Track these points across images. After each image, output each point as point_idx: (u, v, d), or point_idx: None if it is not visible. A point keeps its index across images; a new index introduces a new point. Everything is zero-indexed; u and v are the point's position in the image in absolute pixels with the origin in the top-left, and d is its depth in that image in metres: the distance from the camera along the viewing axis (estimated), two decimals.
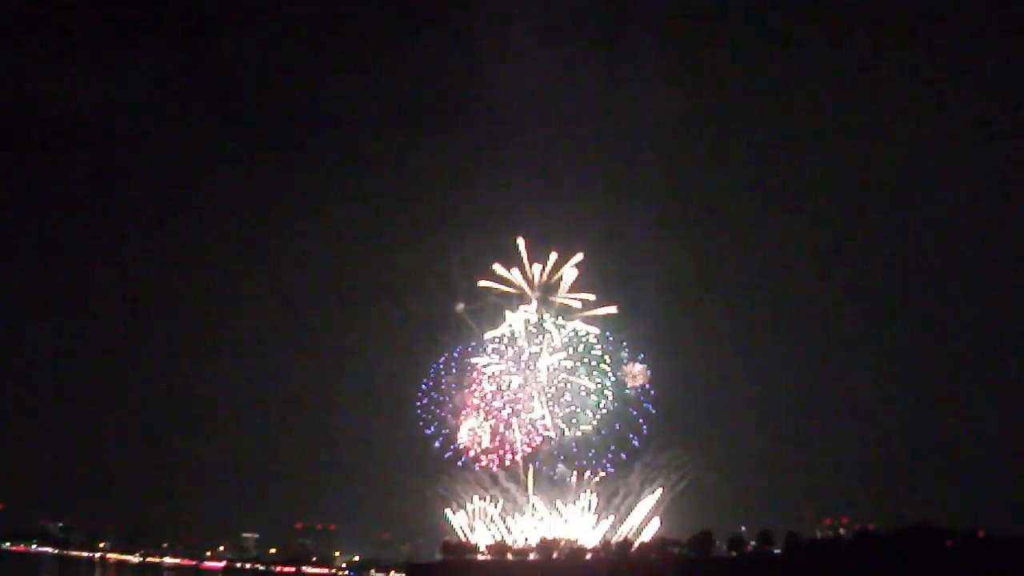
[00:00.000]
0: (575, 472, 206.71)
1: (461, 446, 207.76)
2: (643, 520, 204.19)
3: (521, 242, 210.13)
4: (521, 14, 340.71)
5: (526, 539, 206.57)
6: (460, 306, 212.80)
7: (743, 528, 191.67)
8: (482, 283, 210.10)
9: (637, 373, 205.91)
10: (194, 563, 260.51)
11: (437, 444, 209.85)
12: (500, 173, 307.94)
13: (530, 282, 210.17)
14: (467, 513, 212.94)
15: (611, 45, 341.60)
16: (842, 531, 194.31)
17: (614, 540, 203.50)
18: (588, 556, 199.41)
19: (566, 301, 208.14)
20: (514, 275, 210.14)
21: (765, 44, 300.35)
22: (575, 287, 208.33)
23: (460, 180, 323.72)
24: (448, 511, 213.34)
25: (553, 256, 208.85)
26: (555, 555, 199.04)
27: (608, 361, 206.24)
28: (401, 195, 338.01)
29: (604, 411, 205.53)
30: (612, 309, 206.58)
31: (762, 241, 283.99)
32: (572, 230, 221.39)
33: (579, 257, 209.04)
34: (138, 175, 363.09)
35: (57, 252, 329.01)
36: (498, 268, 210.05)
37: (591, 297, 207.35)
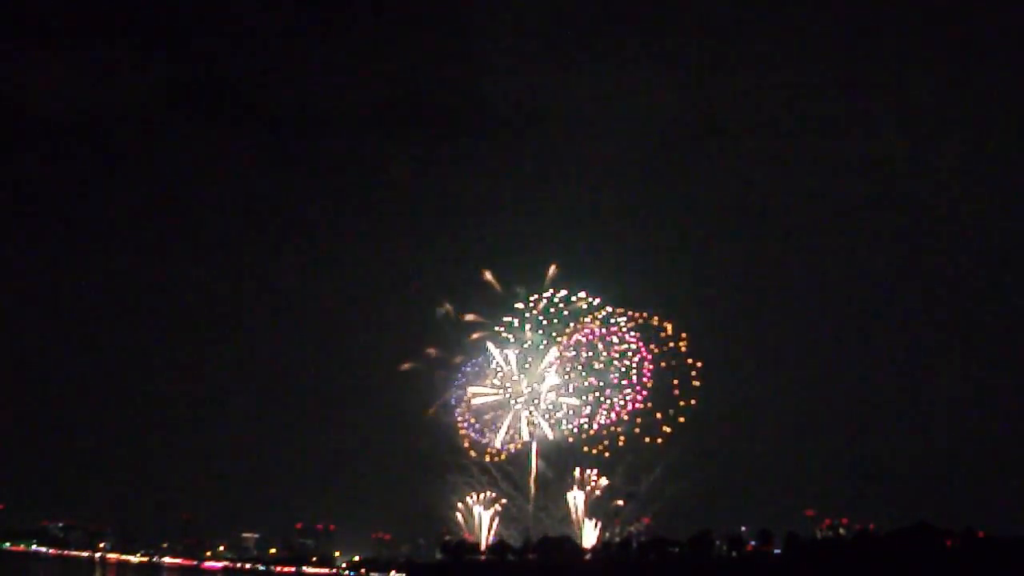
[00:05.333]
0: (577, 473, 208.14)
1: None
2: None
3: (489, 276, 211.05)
4: (522, 18, 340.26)
5: (527, 538, 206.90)
6: (443, 309, 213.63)
7: (743, 528, 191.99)
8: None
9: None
10: (194, 563, 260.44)
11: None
12: (494, 176, 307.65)
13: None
14: (467, 512, 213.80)
15: (613, 47, 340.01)
16: (842, 531, 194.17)
17: (614, 540, 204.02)
18: (587, 556, 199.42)
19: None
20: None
21: (797, 45, 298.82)
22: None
23: (452, 185, 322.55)
24: (451, 511, 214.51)
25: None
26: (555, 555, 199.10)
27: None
28: (396, 198, 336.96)
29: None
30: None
31: (762, 241, 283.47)
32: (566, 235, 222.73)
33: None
34: (134, 177, 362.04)
35: (55, 253, 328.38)
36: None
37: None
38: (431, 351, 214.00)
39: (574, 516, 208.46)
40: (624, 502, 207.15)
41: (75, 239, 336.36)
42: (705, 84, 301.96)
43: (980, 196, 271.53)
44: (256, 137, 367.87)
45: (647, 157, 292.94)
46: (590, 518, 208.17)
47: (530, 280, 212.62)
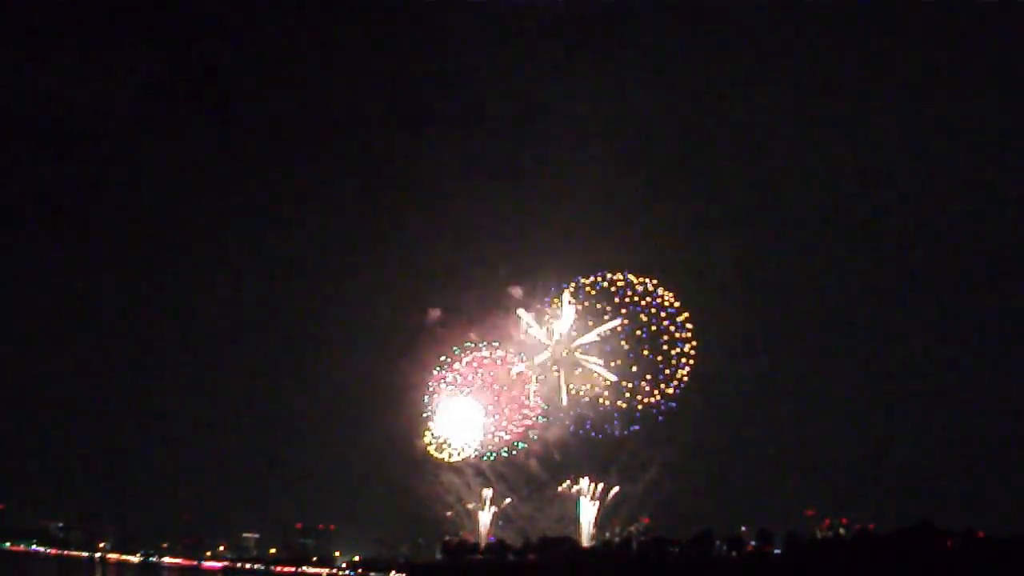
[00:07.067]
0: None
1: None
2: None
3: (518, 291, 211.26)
4: (521, 17, 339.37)
5: (526, 538, 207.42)
6: (435, 312, 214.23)
7: (743, 528, 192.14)
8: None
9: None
10: (194, 563, 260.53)
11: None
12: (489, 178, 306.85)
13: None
14: (464, 512, 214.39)
15: (616, 45, 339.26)
16: (842, 531, 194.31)
17: (614, 540, 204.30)
18: (587, 556, 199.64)
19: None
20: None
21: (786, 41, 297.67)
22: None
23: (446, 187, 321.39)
24: (449, 511, 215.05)
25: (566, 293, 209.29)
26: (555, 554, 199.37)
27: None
28: (390, 200, 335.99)
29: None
30: (615, 323, 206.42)
31: (764, 238, 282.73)
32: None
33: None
34: (133, 177, 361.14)
35: (53, 252, 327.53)
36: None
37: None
38: (425, 353, 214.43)
39: (573, 515, 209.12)
40: (619, 490, 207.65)
41: (74, 239, 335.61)
42: (706, 81, 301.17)
43: (984, 199, 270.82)
44: (254, 138, 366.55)
45: (647, 157, 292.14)
46: (589, 518, 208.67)
47: (527, 281, 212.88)
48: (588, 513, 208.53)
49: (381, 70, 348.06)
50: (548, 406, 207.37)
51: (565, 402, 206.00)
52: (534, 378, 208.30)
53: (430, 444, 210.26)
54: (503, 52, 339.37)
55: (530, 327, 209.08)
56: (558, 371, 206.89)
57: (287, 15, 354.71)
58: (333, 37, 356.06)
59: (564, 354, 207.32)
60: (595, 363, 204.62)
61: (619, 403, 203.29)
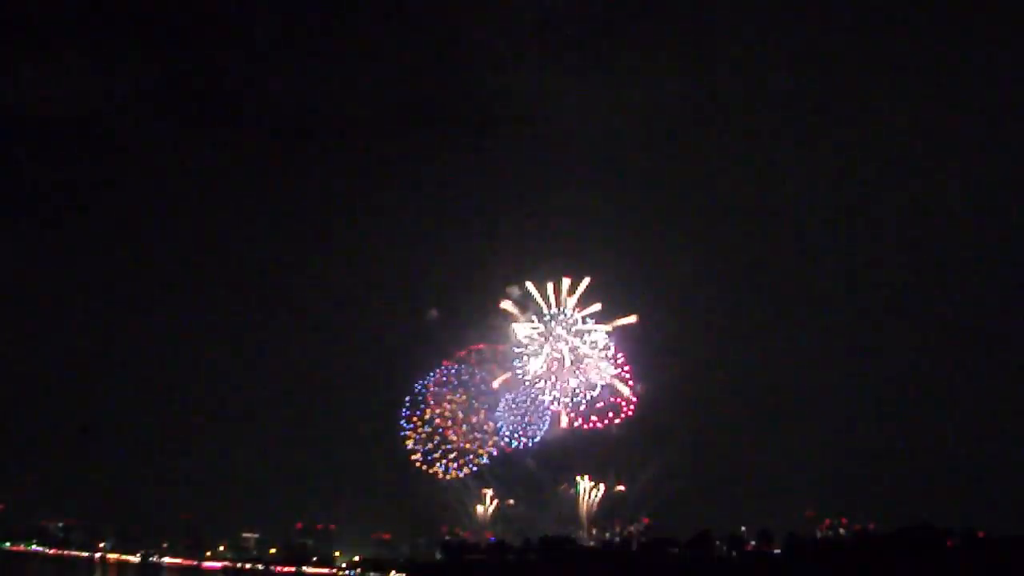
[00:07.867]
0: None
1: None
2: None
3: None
4: (521, 17, 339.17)
5: (526, 538, 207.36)
6: (433, 313, 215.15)
7: (743, 528, 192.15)
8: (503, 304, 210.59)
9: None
10: (194, 563, 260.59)
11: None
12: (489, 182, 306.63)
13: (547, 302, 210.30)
14: (464, 512, 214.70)
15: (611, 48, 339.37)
16: (842, 531, 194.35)
17: (614, 540, 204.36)
18: (587, 555, 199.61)
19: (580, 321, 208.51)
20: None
21: (774, 44, 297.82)
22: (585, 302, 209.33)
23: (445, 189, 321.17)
24: (449, 511, 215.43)
25: (566, 282, 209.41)
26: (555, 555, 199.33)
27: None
28: (390, 201, 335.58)
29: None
30: (631, 319, 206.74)
31: (764, 239, 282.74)
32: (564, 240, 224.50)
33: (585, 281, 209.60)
34: (133, 178, 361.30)
35: (53, 253, 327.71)
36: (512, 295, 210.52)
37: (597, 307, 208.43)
38: (424, 353, 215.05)
39: (572, 515, 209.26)
40: (619, 489, 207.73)
41: (75, 239, 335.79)
42: (705, 82, 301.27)
43: (983, 196, 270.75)
44: (253, 139, 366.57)
45: (647, 157, 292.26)
46: (589, 518, 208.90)
47: (525, 281, 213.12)
48: (587, 513, 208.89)
49: (382, 72, 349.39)
50: (545, 405, 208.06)
51: (563, 401, 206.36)
52: (531, 374, 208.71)
53: (416, 456, 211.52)
54: (502, 56, 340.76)
55: (525, 324, 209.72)
56: (555, 371, 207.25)
57: (288, 17, 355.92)
58: (334, 39, 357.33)
59: (561, 354, 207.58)
60: (594, 363, 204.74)
61: (621, 406, 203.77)
